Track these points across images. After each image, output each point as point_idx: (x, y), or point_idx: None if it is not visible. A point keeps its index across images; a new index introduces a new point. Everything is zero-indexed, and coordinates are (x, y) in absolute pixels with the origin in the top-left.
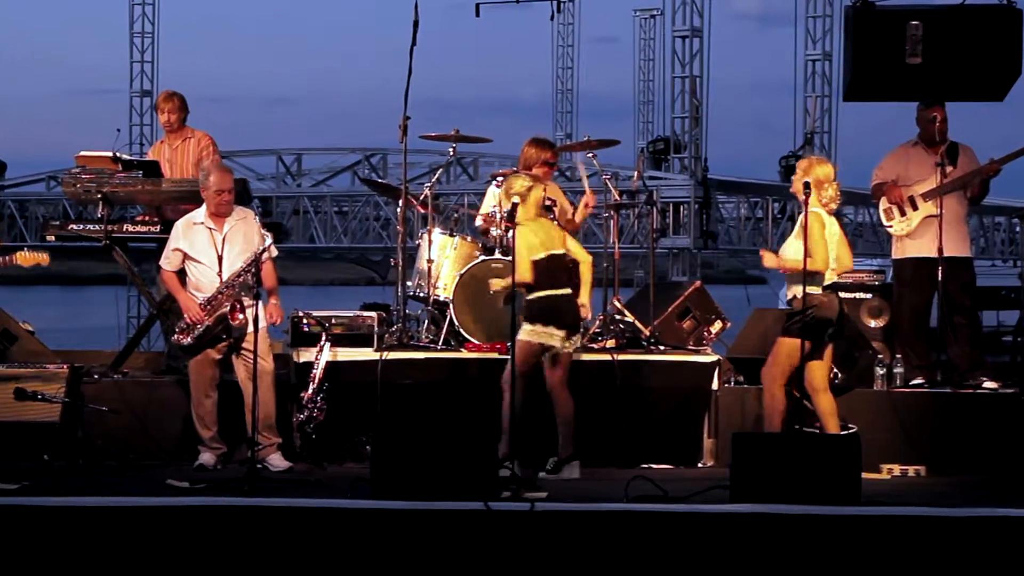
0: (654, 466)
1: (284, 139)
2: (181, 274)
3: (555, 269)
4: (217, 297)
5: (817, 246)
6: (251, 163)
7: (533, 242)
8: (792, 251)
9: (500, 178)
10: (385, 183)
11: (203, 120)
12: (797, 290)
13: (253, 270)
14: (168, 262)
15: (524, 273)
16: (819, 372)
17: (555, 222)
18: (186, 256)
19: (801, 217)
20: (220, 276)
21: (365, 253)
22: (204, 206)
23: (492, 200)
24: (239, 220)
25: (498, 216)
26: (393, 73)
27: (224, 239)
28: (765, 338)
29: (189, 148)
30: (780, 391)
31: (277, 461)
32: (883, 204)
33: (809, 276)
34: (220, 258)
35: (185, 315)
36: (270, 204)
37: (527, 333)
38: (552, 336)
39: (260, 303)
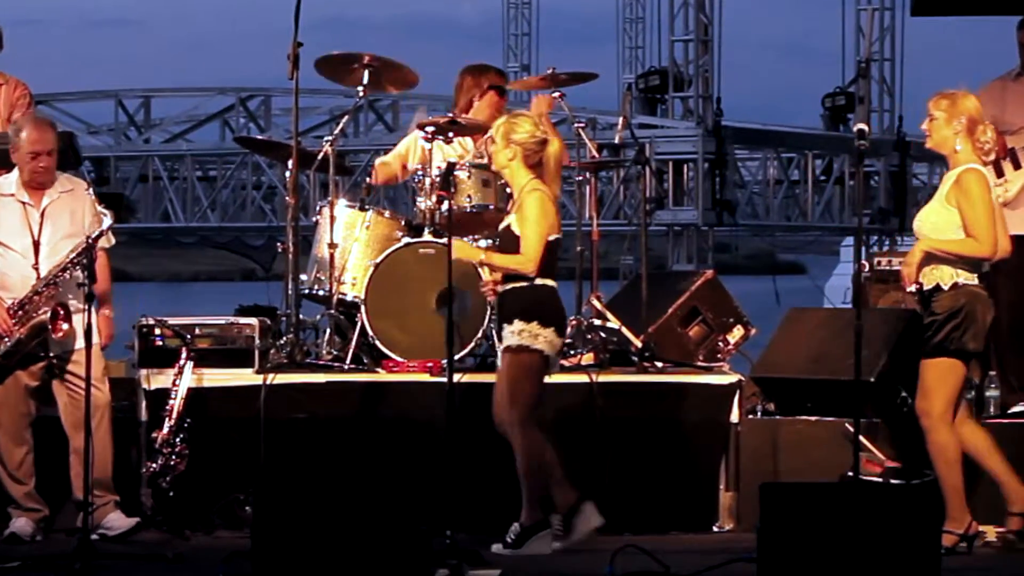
0: (650, 532)
1: (126, 77)
2: None
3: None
4: (33, 299)
5: (984, 218)
6: (79, 110)
7: (552, 217)
8: (932, 225)
9: (431, 128)
10: (268, 139)
11: (9, 51)
12: (942, 276)
13: (84, 261)
14: None
15: (534, 257)
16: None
17: None
18: None
19: (949, 177)
20: (36, 269)
21: (241, 235)
22: (15, 172)
23: (417, 152)
24: (64, 193)
25: (428, 181)
26: None
27: (43, 217)
28: (805, 350)
29: None
30: (948, 430)
31: (117, 521)
32: None
33: (967, 263)
34: (37, 244)
35: None
36: (107, 167)
37: (528, 336)
38: (553, 344)
39: (93, 308)
